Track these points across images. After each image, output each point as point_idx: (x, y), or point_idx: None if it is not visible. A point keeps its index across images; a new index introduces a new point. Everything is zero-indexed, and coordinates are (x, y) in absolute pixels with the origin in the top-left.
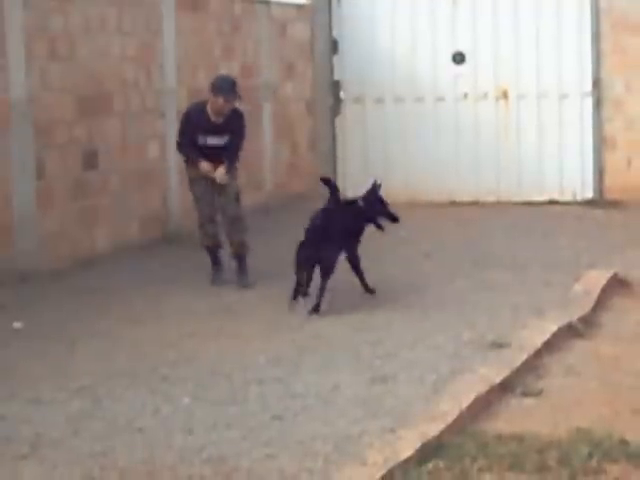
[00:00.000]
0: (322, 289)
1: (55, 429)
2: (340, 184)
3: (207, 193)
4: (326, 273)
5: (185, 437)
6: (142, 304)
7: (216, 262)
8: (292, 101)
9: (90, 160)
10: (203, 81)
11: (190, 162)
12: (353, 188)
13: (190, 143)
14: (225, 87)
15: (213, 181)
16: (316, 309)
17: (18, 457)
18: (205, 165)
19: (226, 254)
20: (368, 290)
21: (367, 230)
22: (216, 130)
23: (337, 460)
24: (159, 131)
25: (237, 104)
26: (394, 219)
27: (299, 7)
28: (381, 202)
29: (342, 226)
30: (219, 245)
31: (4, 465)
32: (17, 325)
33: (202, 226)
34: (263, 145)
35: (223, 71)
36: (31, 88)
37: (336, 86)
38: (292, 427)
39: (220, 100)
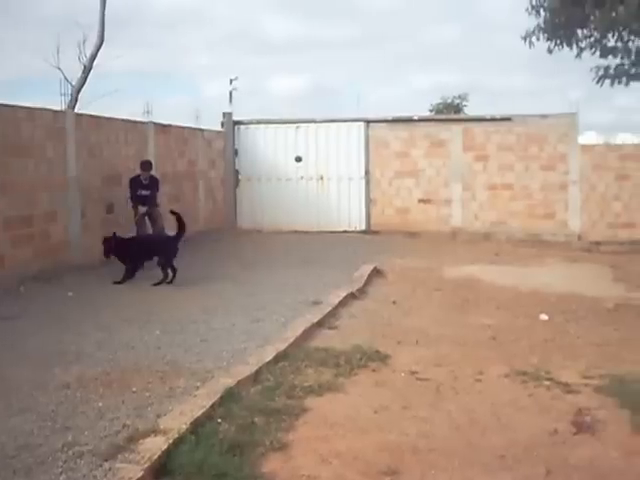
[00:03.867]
0: (174, 269)
1: (88, 347)
2: (238, 222)
3: (143, 222)
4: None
5: (155, 351)
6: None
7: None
8: (214, 180)
9: (109, 208)
10: (169, 168)
11: (134, 207)
12: (245, 224)
13: (134, 196)
14: (145, 165)
15: (147, 214)
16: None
17: (68, 362)
18: (140, 208)
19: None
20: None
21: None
22: (144, 187)
23: (234, 362)
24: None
25: (152, 173)
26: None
27: (218, 132)
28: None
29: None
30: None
31: (60, 365)
32: (70, 294)
33: None
34: (199, 201)
35: (175, 164)
36: (79, 171)
37: (236, 172)
38: (211, 345)
39: (143, 171)
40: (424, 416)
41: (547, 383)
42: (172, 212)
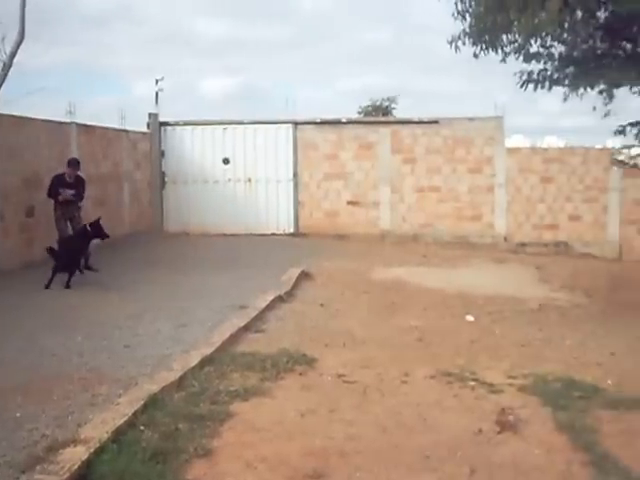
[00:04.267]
0: (72, 272)
1: (8, 354)
2: (165, 225)
3: (64, 224)
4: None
5: (78, 358)
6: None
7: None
8: (139, 182)
9: (30, 212)
10: (92, 170)
11: (56, 203)
12: (172, 227)
13: (55, 193)
14: (72, 162)
15: (68, 217)
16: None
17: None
18: (65, 194)
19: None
20: (92, 269)
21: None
22: (68, 186)
23: (158, 368)
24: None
25: (79, 173)
26: (106, 236)
27: (144, 133)
28: (99, 227)
29: (81, 241)
30: None
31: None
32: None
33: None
34: (124, 204)
35: (98, 165)
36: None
37: (163, 174)
38: (135, 351)
39: (70, 169)
40: (351, 419)
41: (472, 383)
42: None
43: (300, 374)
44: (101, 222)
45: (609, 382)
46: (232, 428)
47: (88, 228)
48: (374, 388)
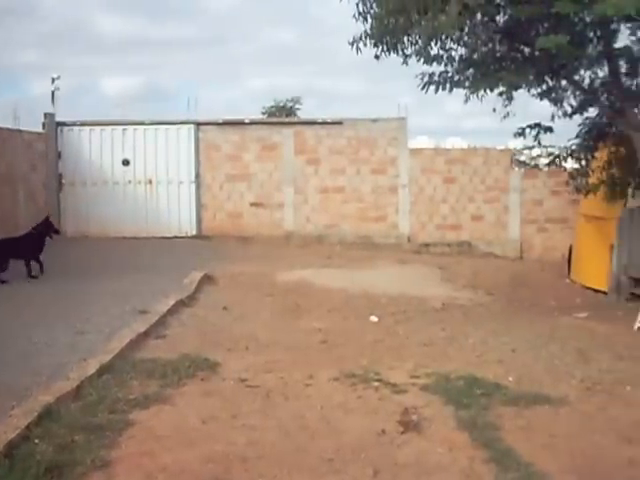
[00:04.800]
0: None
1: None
2: (63, 228)
3: None
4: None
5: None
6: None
7: None
8: (35, 184)
9: None
10: None
11: None
12: (71, 230)
13: None
14: None
15: None
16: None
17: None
18: None
19: None
20: (33, 277)
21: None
22: None
23: (54, 378)
24: None
25: None
26: (57, 232)
27: (40, 134)
28: (49, 224)
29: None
30: None
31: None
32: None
33: None
34: (18, 206)
35: None
36: None
37: (60, 176)
38: (30, 361)
39: None
40: (253, 424)
41: (376, 384)
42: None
43: (202, 379)
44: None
45: (510, 379)
46: (131, 437)
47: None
48: (277, 392)
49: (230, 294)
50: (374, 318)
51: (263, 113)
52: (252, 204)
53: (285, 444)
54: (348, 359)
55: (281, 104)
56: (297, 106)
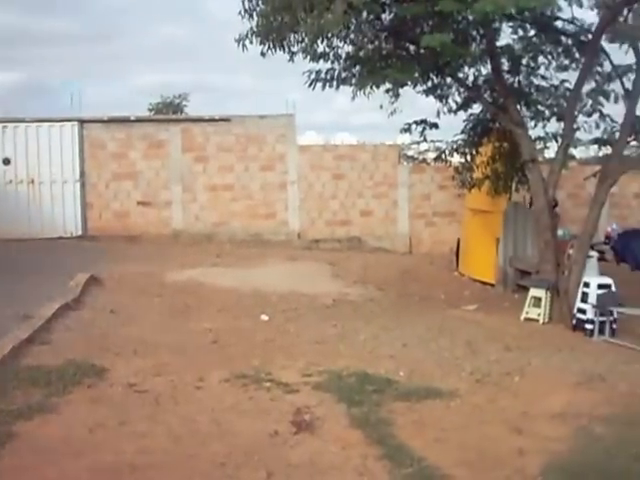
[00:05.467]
0: None
1: None
2: None
3: None
4: None
5: None
6: None
7: None
8: None
9: None
10: None
11: None
12: None
13: None
14: None
15: None
16: None
17: None
18: None
19: None
20: None
21: None
22: None
23: None
24: None
25: None
26: None
27: None
28: None
29: None
30: None
31: None
32: None
33: None
34: None
35: None
36: None
37: None
38: None
39: None
40: (143, 431)
41: (268, 384)
42: None
43: (89, 386)
44: None
45: (401, 374)
46: (14, 451)
47: None
48: (167, 396)
49: (117, 296)
50: (265, 317)
51: (150, 110)
52: (139, 203)
53: (176, 450)
54: (239, 359)
55: (168, 100)
56: (184, 103)
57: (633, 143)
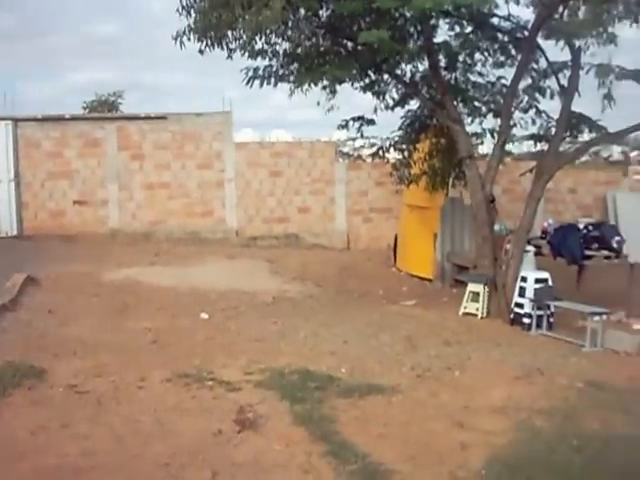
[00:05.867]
0: None
1: None
2: None
3: None
4: None
5: None
6: None
7: None
8: None
9: None
10: None
11: None
12: None
13: None
14: None
15: None
16: None
17: None
18: None
19: None
20: None
21: None
22: None
23: None
24: None
25: None
26: None
27: None
28: None
29: None
30: None
31: None
32: None
33: None
34: None
35: None
36: None
37: None
38: None
39: None
40: (85, 432)
41: (210, 383)
42: None
43: (29, 388)
44: None
45: (343, 370)
46: None
47: None
48: (109, 397)
49: (55, 296)
50: (204, 315)
51: (84, 108)
52: (75, 202)
53: (119, 451)
54: (180, 359)
55: (103, 98)
56: (119, 100)
57: (568, 139)
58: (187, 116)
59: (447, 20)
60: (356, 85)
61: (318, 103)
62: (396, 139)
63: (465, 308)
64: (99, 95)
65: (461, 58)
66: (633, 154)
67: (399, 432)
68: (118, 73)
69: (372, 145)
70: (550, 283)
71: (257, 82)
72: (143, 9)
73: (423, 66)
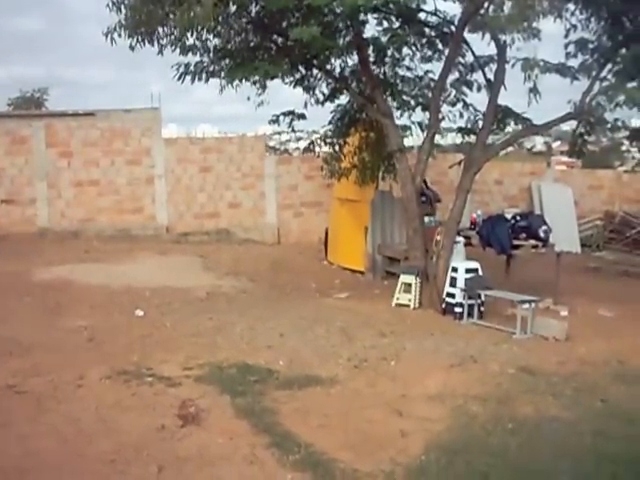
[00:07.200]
0: None
1: None
2: None
3: None
4: None
5: None
6: None
7: None
8: None
9: None
10: None
11: None
12: None
13: None
14: None
15: None
16: None
17: None
18: None
19: None
20: None
21: None
22: None
23: None
24: None
25: None
26: None
27: None
28: None
29: None
30: None
31: None
32: None
33: None
34: None
35: None
36: None
37: None
38: None
39: None
40: (27, 432)
41: (149, 379)
42: None
43: None
44: None
45: (281, 363)
46: None
47: None
48: (48, 396)
49: None
50: (140, 312)
51: (9, 105)
52: (2, 201)
53: (63, 451)
54: (118, 356)
55: (27, 95)
56: (45, 97)
57: (495, 131)
58: (116, 112)
59: (376, 15)
60: (286, 80)
61: (248, 98)
62: (327, 133)
63: (398, 299)
64: (23, 92)
65: (390, 53)
66: (555, 144)
67: (339, 422)
68: (40, 69)
69: (299, 139)
70: (480, 273)
71: (188, 78)
72: (63, 5)
73: (353, 61)
